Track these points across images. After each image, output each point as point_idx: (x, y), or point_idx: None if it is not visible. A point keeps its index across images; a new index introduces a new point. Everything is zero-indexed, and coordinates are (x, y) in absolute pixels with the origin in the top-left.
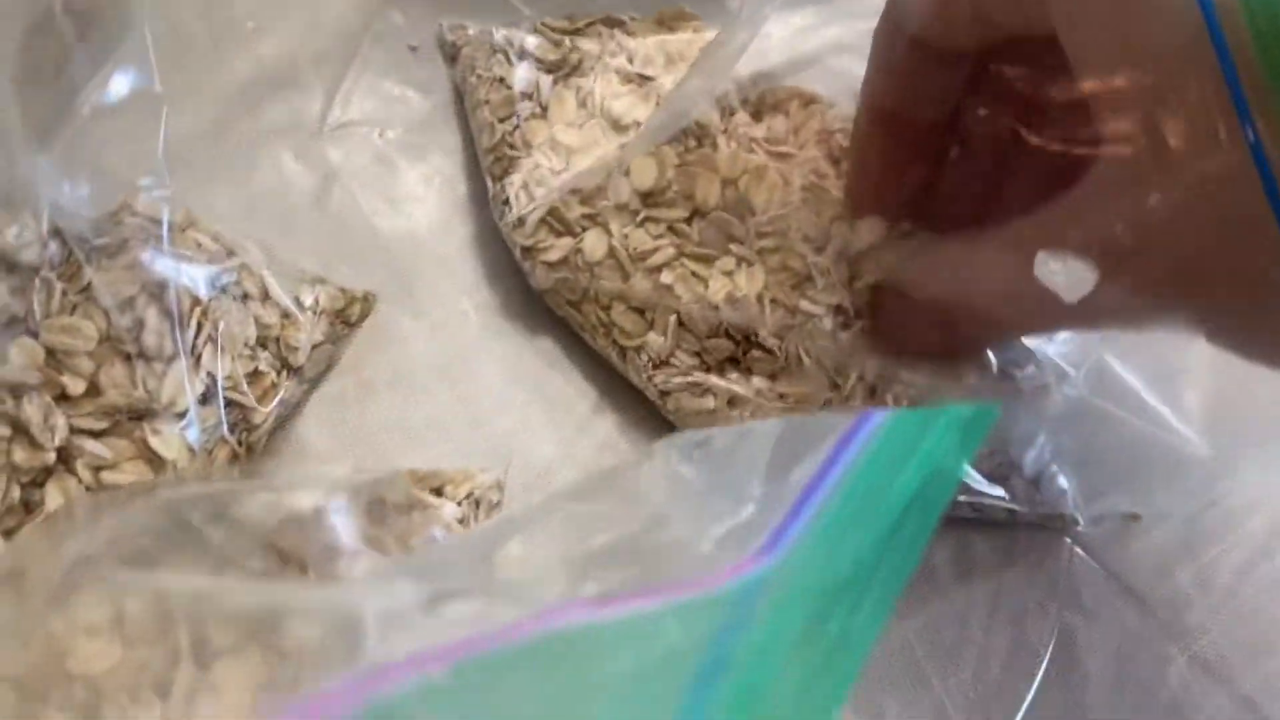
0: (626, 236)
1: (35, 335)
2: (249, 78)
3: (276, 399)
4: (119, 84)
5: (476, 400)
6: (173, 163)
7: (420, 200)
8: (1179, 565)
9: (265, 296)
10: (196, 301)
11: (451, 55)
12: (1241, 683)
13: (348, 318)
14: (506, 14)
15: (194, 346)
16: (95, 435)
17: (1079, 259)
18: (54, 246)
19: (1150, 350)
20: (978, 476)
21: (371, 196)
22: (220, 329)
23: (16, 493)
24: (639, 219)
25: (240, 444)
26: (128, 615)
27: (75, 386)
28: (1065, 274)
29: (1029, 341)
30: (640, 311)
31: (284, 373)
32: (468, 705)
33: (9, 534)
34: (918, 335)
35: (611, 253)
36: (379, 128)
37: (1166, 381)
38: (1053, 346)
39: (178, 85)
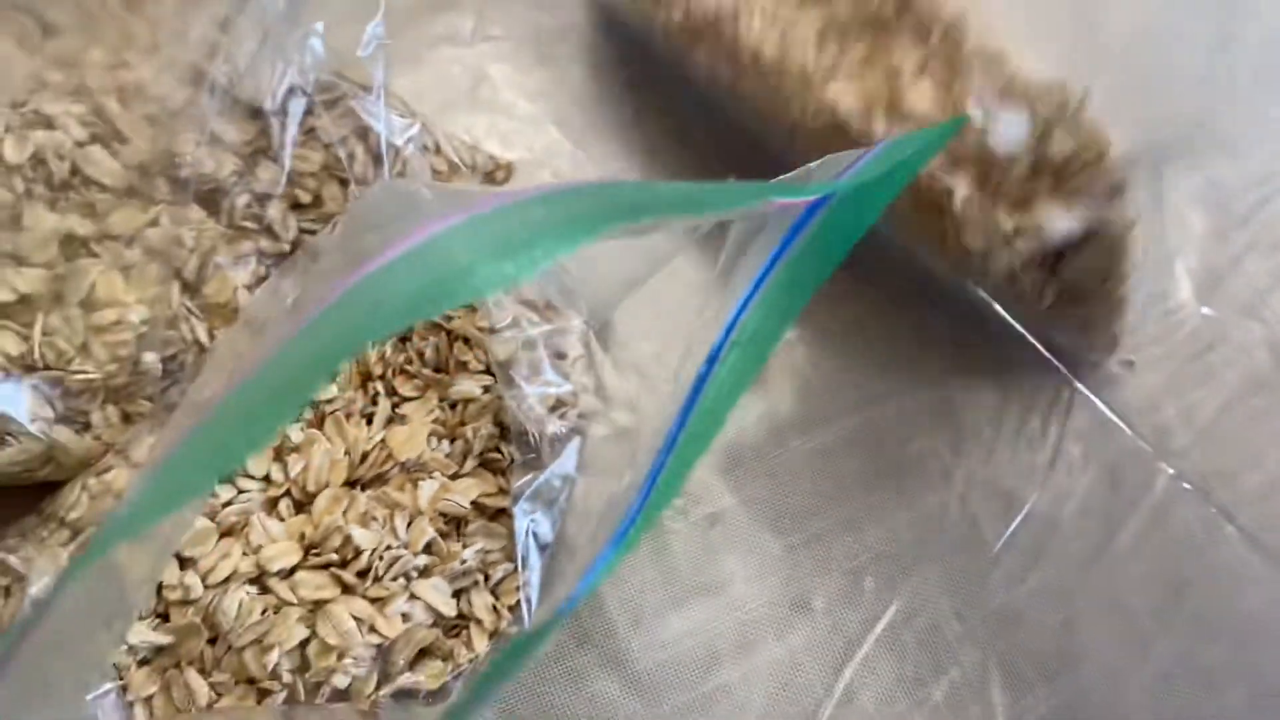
0: None
1: (275, 160)
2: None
3: None
4: None
5: None
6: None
7: (549, 96)
8: (1166, 402)
9: (438, 150)
10: (390, 144)
11: None
12: (1219, 495)
13: (495, 178)
14: None
15: (389, 175)
16: (317, 235)
17: None
18: (298, 99)
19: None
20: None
21: (509, 92)
22: (408, 166)
23: (262, 271)
24: None
25: None
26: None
27: (305, 197)
28: None
29: None
30: None
31: None
32: None
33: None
34: None
35: None
36: (517, 41)
37: (1166, 261)
38: None
39: (364, 5)
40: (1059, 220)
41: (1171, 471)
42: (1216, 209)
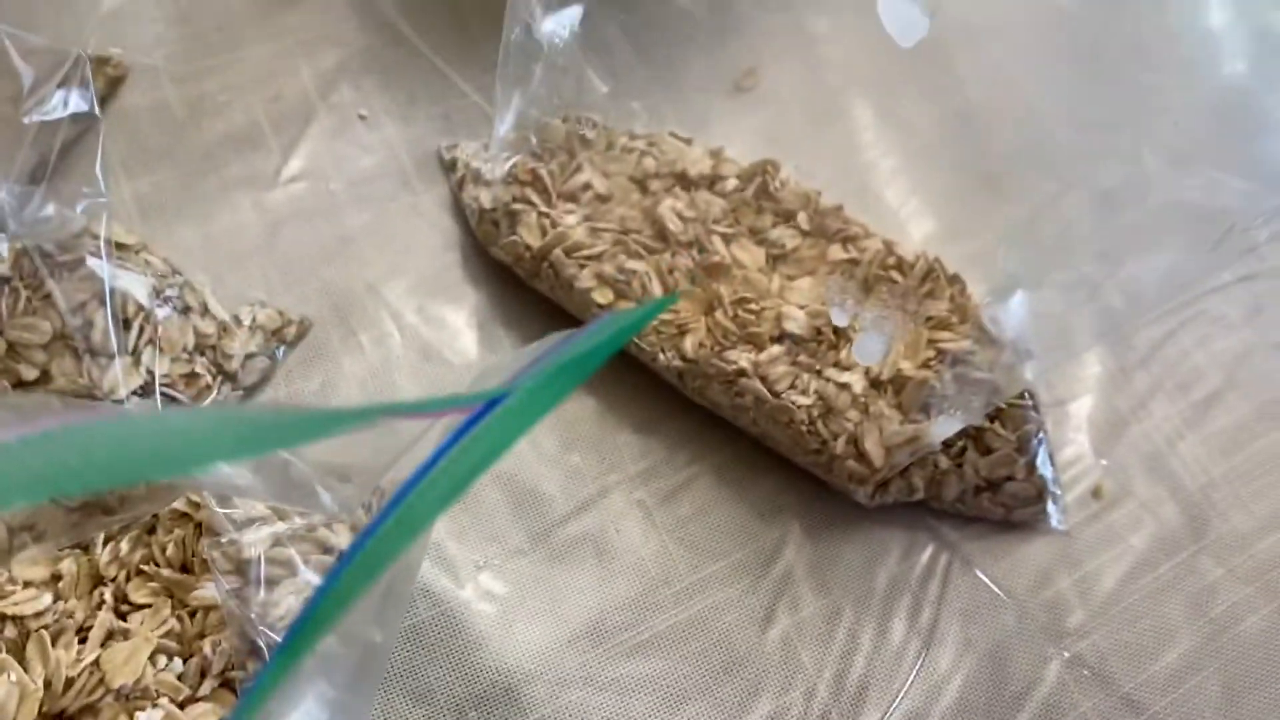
0: None
1: (0, 333)
2: (217, 140)
3: (210, 399)
4: (69, 111)
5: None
6: (145, 208)
7: (357, 241)
8: (1059, 574)
9: (205, 310)
10: (140, 308)
11: (449, 166)
12: (1122, 682)
13: (284, 336)
14: (442, 86)
15: (135, 346)
16: None
17: None
18: (24, 262)
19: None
20: None
21: (315, 237)
22: (160, 333)
23: None
24: None
25: None
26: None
27: (29, 373)
28: None
29: None
30: None
31: (219, 378)
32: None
33: None
34: None
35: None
36: (326, 180)
37: (1061, 407)
38: None
39: (157, 146)
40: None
41: (1067, 655)
42: (1117, 345)
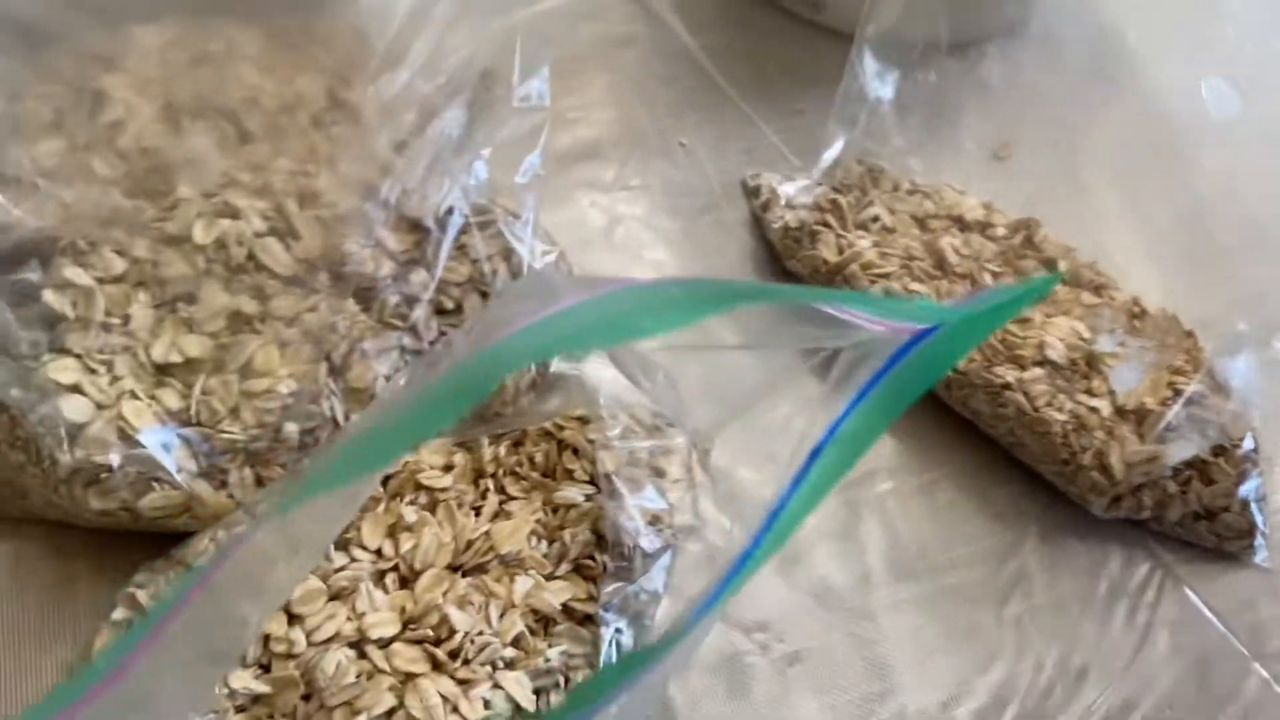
0: None
1: (428, 268)
2: (567, 149)
3: None
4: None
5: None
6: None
7: (674, 244)
8: (1262, 603)
9: (571, 275)
10: (531, 266)
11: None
12: None
13: None
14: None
15: None
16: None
17: None
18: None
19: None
20: None
21: (639, 236)
22: None
23: (401, 364)
24: None
25: None
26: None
27: (447, 304)
28: None
29: None
30: None
31: None
32: None
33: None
34: None
35: None
36: (650, 192)
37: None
38: None
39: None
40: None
41: (1266, 675)
42: None
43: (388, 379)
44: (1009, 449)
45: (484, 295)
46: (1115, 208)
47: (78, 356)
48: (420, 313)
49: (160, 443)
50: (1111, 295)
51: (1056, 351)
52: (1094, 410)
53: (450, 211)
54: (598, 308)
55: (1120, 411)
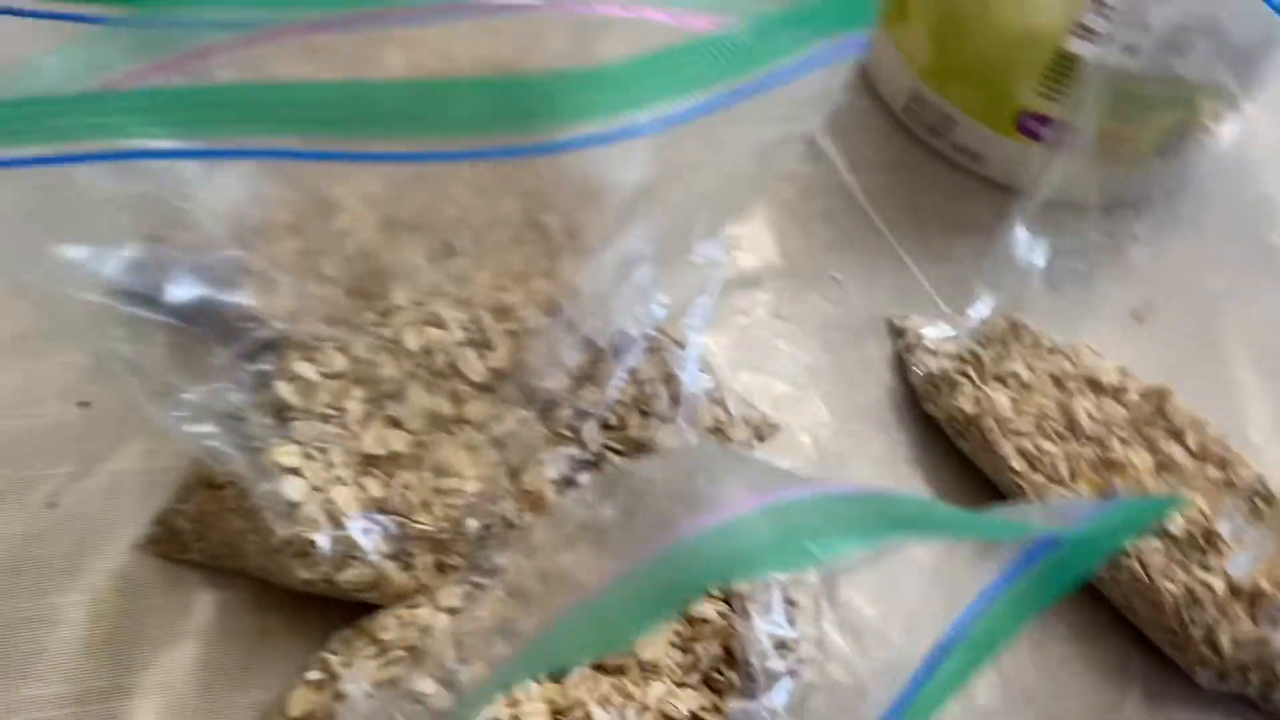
0: None
1: (599, 386)
2: (728, 276)
3: None
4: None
5: None
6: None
7: (822, 375)
8: None
9: (723, 403)
10: (691, 393)
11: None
12: None
13: (761, 434)
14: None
15: (681, 418)
16: (616, 453)
17: None
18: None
19: None
20: None
21: (789, 364)
22: (695, 412)
23: (567, 471)
24: None
25: None
26: None
27: (612, 420)
28: None
29: None
30: None
31: None
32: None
33: None
34: None
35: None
36: (797, 322)
37: None
38: None
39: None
40: None
41: None
42: None
43: (555, 484)
44: (1119, 609)
45: (644, 414)
46: (1255, 381)
47: (299, 444)
48: (589, 427)
49: (361, 527)
50: (1237, 471)
51: (1176, 525)
52: (1208, 587)
53: (624, 336)
54: (772, 522)
55: (1234, 590)
